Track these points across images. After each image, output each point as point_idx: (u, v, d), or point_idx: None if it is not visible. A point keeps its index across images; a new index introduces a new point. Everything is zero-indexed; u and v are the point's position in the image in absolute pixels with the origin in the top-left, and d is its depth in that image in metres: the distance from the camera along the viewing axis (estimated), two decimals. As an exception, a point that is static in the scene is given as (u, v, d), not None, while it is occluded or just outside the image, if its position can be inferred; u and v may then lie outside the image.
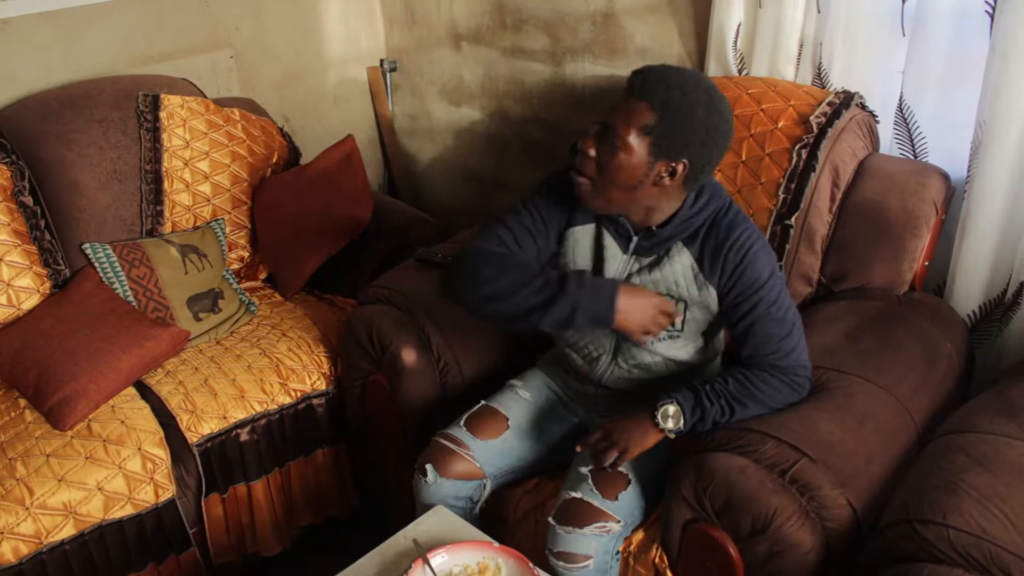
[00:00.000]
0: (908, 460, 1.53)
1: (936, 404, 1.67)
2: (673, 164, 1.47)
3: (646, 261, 1.61)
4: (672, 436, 1.55)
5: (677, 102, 1.42)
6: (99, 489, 1.87)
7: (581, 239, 1.68)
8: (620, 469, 1.63)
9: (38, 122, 2.31)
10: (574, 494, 1.61)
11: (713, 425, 1.54)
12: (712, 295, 1.58)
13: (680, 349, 1.67)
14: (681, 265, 1.58)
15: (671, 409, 1.54)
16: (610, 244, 1.64)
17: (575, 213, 1.67)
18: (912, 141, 2.01)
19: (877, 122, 2.02)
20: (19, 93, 2.42)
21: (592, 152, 1.51)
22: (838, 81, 2.06)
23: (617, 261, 1.63)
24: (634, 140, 1.46)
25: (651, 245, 1.59)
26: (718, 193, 1.58)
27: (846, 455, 1.47)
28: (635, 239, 1.61)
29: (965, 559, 1.26)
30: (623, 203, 1.55)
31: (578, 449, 1.64)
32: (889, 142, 2.06)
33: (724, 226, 1.54)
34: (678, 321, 1.62)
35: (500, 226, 1.66)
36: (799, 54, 2.11)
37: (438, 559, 1.49)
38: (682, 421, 1.54)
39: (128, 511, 1.91)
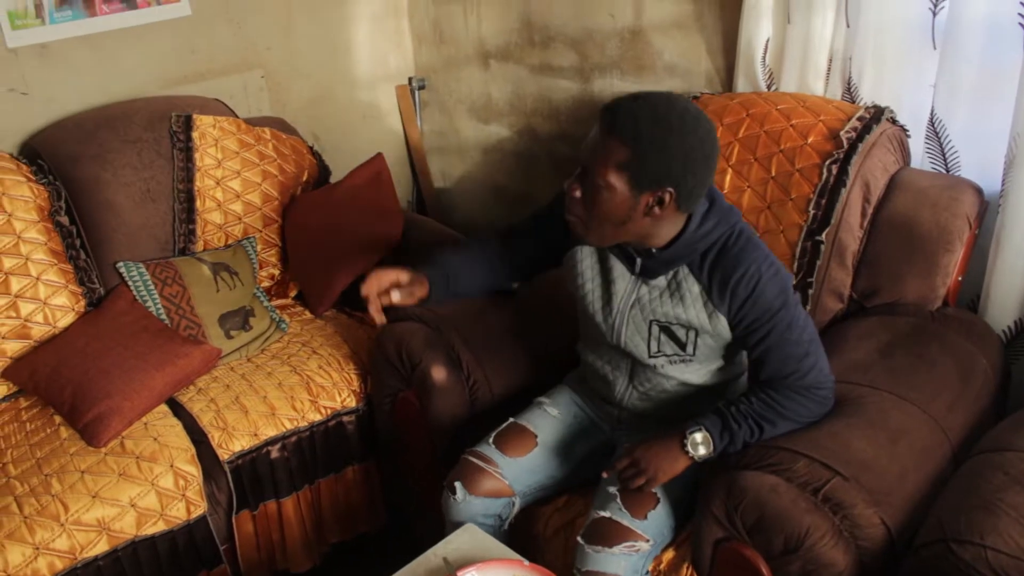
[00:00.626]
0: (943, 478, 1.50)
1: (971, 421, 1.64)
2: (659, 194, 1.44)
3: (654, 284, 1.59)
4: (702, 461, 1.55)
5: (648, 134, 1.39)
6: (132, 506, 1.89)
7: (586, 258, 1.69)
8: (649, 487, 1.62)
9: (74, 143, 2.36)
10: (603, 513, 1.60)
11: (744, 446, 1.53)
12: (723, 323, 1.55)
13: (694, 373, 1.65)
14: (691, 295, 1.55)
15: (699, 436, 1.53)
16: (616, 265, 1.64)
17: None
18: (944, 155, 1.99)
19: (908, 136, 2.00)
20: (57, 115, 2.48)
21: (577, 194, 1.50)
22: (868, 96, 2.04)
23: (624, 281, 1.63)
24: (613, 178, 1.43)
25: (655, 266, 1.57)
26: (726, 218, 1.53)
27: (880, 473, 1.45)
28: (639, 260, 1.59)
29: (1004, 580, 1.24)
30: (617, 236, 1.53)
31: (604, 475, 1.64)
32: (921, 156, 2.04)
33: (732, 256, 1.50)
34: (689, 347, 1.60)
35: (529, 219, 1.82)
36: (828, 69, 2.10)
37: (470, 578, 1.48)
38: (712, 446, 1.53)
39: (160, 527, 1.92)
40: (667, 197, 1.44)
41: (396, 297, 1.71)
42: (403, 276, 1.73)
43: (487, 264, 1.85)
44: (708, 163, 1.45)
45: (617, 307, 1.64)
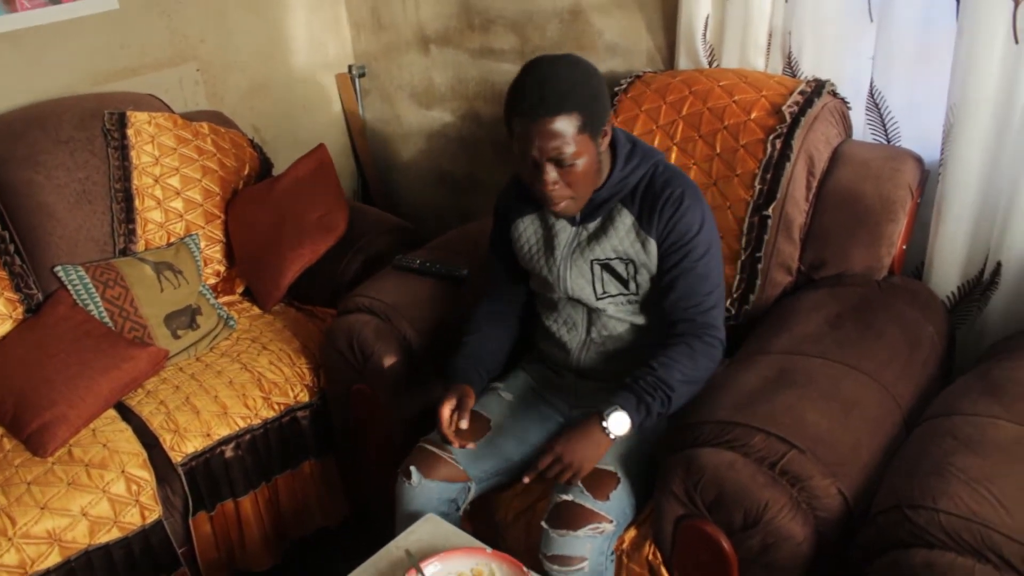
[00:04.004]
0: (895, 445, 1.53)
1: (920, 388, 1.67)
2: (604, 128, 1.58)
3: (592, 227, 1.70)
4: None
5: (580, 91, 1.51)
6: (83, 515, 1.85)
7: (528, 227, 1.80)
8: (609, 468, 1.63)
9: (3, 145, 2.28)
10: (565, 497, 1.60)
11: (657, 416, 1.59)
12: (652, 248, 1.65)
13: (639, 315, 1.73)
14: (624, 226, 1.66)
15: (617, 415, 1.57)
16: (558, 221, 1.74)
17: (516, 208, 1.80)
18: (885, 126, 2.02)
19: (849, 109, 2.03)
20: (-19, 116, 2.39)
21: (557, 182, 1.57)
22: (808, 70, 2.06)
23: (566, 233, 1.73)
24: (581, 143, 1.53)
25: (593, 209, 1.68)
26: (649, 154, 1.67)
27: (834, 444, 1.47)
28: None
29: (957, 542, 1.26)
30: (592, 188, 1.64)
31: (526, 480, 1.62)
32: (862, 128, 2.06)
33: (660, 183, 1.64)
34: (631, 284, 1.69)
35: (495, 278, 1.90)
36: (768, 44, 2.11)
37: (432, 568, 1.47)
38: (630, 423, 1.57)
39: (115, 535, 1.89)
40: (608, 128, 1.60)
41: (464, 424, 1.68)
42: (453, 402, 1.68)
43: (507, 333, 1.88)
44: (605, 85, 1.61)
45: (560, 254, 1.73)
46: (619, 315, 1.73)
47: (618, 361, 1.76)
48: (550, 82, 1.51)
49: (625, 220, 1.66)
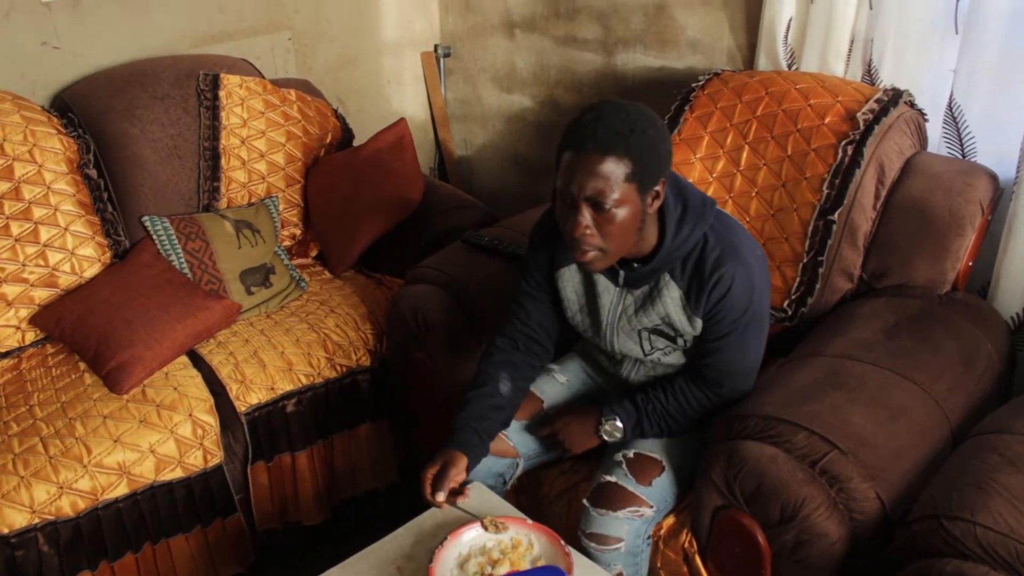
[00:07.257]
0: (940, 458, 1.54)
1: (972, 403, 1.67)
2: (656, 189, 1.48)
3: (637, 293, 1.65)
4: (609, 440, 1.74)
5: (637, 139, 1.42)
6: (152, 451, 1.95)
7: (570, 278, 1.73)
8: (654, 456, 1.68)
9: (104, 98, 2.41)
10: (609, 478, 1.66)
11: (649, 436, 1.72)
12: (698, 324, 1.61)
13: (679, 359, 1.73)
14: (671, 300, 1.61)
15: (613, 424, 1.71)
16: (600, 279, 1.68)
17: (559, 254, 1.71)
18: (961, 140, 2.01)
19: (926, 120, 2.02)
20: (87, 69, 2.52)
21: (590, 227, 1.48)
22: (888, 78, 2.06)
23: (610, 294, 1.68)
24: (625, 193, 1.44)
25: (638, 277, 1.61)
26: (701, 219, 1.56)
27: (877, 449, 1.48)
28: (621, 272, 1.63)
29: (991, 556, 1.27)
30: (627, 249, 1.55)
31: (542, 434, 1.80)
32: (938, 141, 2.06)
33: (711, 262, 1.55)
34: (679, 341, 1.66)
35: (515, 308, 1.80)
36: (849, 50, 2.12)
37: (474, 532, 1.52)
38: (621, 435, 1.71)
39: (178, 474, 1.99)
40: (661, 188, 1.49)
41: (441, 497, 1.60)
42: (435, 469, 1.62)
43: (523, 386, 1.79)
44: (671, 142, 1.54)
45: (606, 321, 1.71)
46: (666, 361, 1.73)
47: (669, 374, 1.78)
48: (607, 120, 1.42)
49: (673, 293, 1.60)
